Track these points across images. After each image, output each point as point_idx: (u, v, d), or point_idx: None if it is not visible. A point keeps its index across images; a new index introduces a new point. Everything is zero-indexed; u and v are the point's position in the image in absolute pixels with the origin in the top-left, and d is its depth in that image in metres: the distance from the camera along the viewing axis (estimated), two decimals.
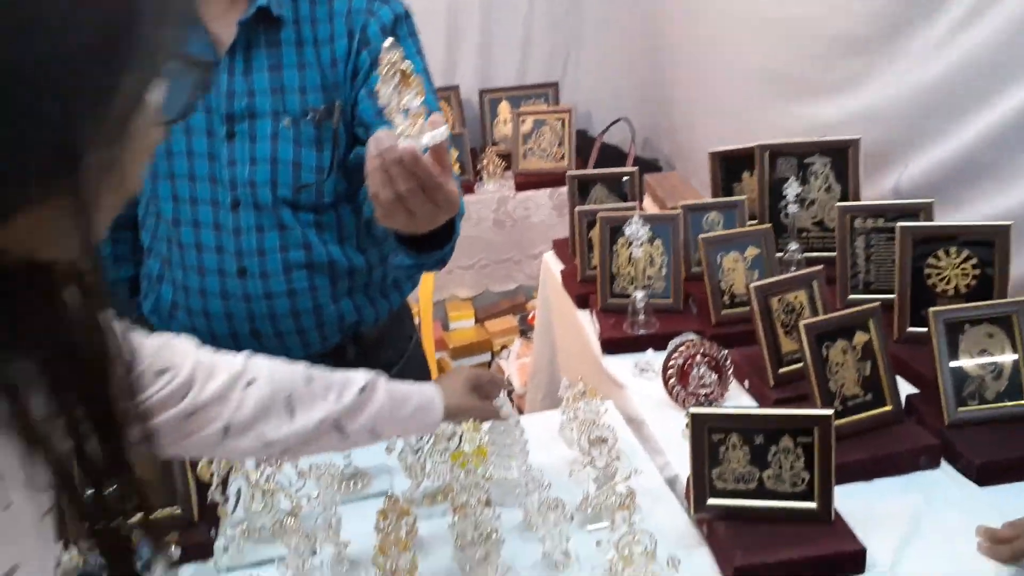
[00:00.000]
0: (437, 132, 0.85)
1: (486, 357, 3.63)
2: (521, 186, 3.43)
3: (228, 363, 0.97)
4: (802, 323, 1.22)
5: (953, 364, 1.27)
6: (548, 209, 3.52)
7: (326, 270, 1.37)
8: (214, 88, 1.30)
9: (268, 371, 0.98)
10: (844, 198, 1.82)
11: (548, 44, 3.81)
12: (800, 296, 1.41)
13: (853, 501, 1.12)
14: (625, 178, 2.07)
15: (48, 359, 0.49)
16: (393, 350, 1.52)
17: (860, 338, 1.24)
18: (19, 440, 0.49)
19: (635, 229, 1.58)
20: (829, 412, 1.05)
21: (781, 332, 1.40)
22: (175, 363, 0.90)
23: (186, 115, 0.53)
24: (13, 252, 0.45)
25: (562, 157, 3.42)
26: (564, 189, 3.35)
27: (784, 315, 1.41)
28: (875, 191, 1.91)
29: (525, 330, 3.57)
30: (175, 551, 1.05)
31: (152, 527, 0.59)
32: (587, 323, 1.83)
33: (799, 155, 1.87)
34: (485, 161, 3.49)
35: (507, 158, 3.52)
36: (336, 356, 1.40)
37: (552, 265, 2.22)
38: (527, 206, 3.50)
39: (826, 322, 1.25)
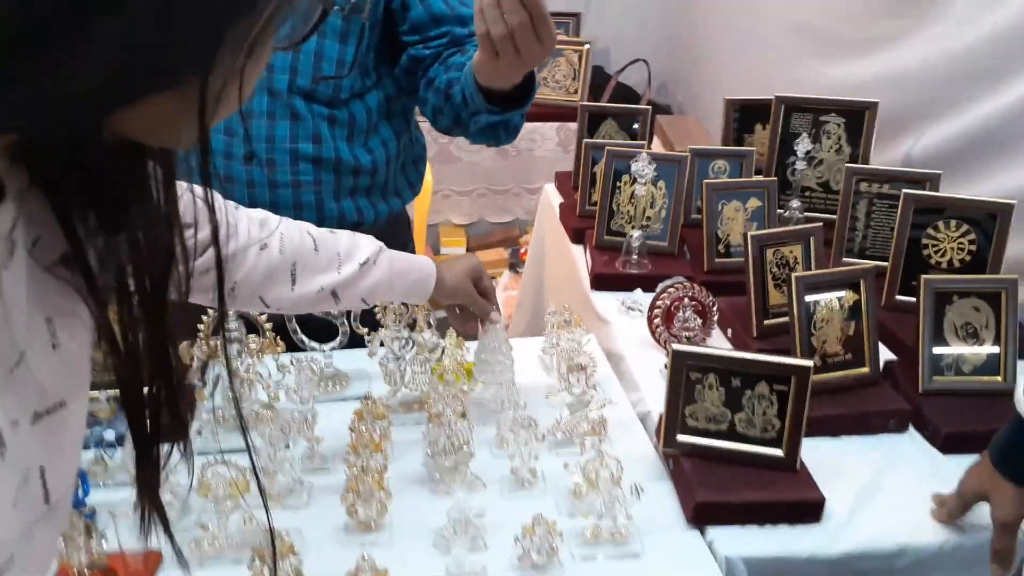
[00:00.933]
0: None
1: None
2: (529, 116, 3.36)
3: (247, 222, 1.02)
4: (794, 274, 1.22)
5: (936, 334, 1.28)
6: (553, 144, 3.48)
7: (333, 166, 1.37)
8: None
9: (281, 236, 1.04)
10: (853, 161, 1.80)
11: None
12: (795, 251, 1.41)
13: (818, 454, 1.14)
14: (636, 124, 2.04)
15: (133, 239, 0.51)
16: None
17: (849, 297, 1.25)
18: (88, 300, 0.50)
19: (641, 166, 1.56)
20: (809, 363, 1.06)
21: (771, 284, 1.40)
22: (197, 218, 0.90)
23: (299, 44, 0.53)
24: (126, 132, 0.46)
25: (575, 91, 3.36)
26: (572, 125, 3.30)
27: (776, 268, 1.41)
28: (885, 158, 1.89)
29: (515, 264, 3.56)
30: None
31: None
32: (580, 258, 1.83)
33: (815, 112, 1.85)
34: None
35: None
36: None
37: (552, 197, 2.21)
38: (533, 138, 3.45)
39: (818, 276, 1.25)
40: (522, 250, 3.58)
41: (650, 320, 1.43)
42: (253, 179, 1.33)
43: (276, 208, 1.34)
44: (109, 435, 1.11)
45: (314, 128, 1.34)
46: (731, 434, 1.09)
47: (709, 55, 3.25)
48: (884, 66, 1.95)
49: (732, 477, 1.07)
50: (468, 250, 3.68)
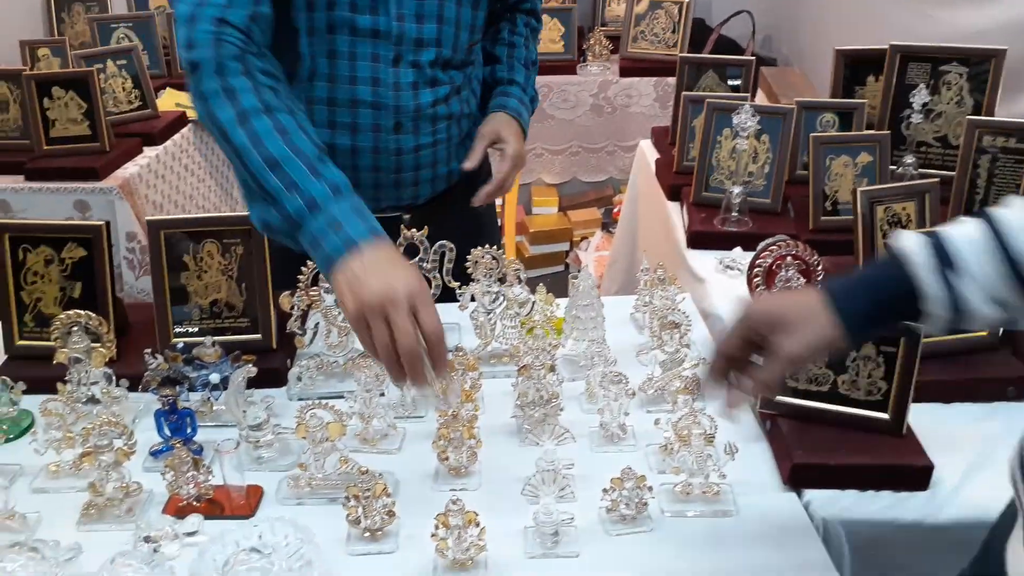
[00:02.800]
0: None
1: (565, 246, 3.61)
2: (626, 71, 3.30)
3: None
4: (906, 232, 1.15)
5: None
6: (651, 99, 3.38)
7: (458, 120, 1.42)
8: None
9: None
10: (976, 114, 1.68)
11: None
12: (908, 208, 1.33)
13: (927, 420, 1.08)
14: (735, 81, 1.95)
15: None
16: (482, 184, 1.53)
17: None
18: None
19: (744, 119, 1.50)
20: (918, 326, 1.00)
21: (881, 244, 1.33)
22: None
23: None
24: None
25: (674, 44, 3.26)
26: (670, 80, 3.22)
27: (888, 225, 1.33)
28: (1012, 110, 1.76)
29: (608, 223, 3.52)
30: (252, 369, 1.10)
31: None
32: (676, 216, 1.78)
33: (934, 62, 1.72)
34: (592, 41, 3.36)
35: (615, 41, 3.37)
36: (448, 195, 1.47)
37: (647, 154, 2.16)
38: (629, 93, 3.37)
39: None
40: (615, 209, 3.52)
41: (750, 279, 1.38)
42: (401, 147, 1.36)
43: (418, 169, 1.41)
44: (214, 378, 1.16)
45: (451, 91, 1.38)
46: (833, 396, 1.05)
47: (817, 4, 3.08)
48: (1008, 11, 1.80)
49: (833, 439, 1.03)
50: (560, 209, 3.66)
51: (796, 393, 1.07)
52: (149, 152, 2.29)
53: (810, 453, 1.01)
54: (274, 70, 1.10)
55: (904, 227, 1.31)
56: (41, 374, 1.18)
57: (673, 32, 3.27)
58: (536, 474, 0.95)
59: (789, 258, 1.35)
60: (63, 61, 2.50)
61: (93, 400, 1.15)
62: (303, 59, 1.29)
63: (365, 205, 1.03)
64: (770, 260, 1.36)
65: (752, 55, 3.24)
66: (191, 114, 2.53)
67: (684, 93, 1.85)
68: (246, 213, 1.21)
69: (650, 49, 3.31)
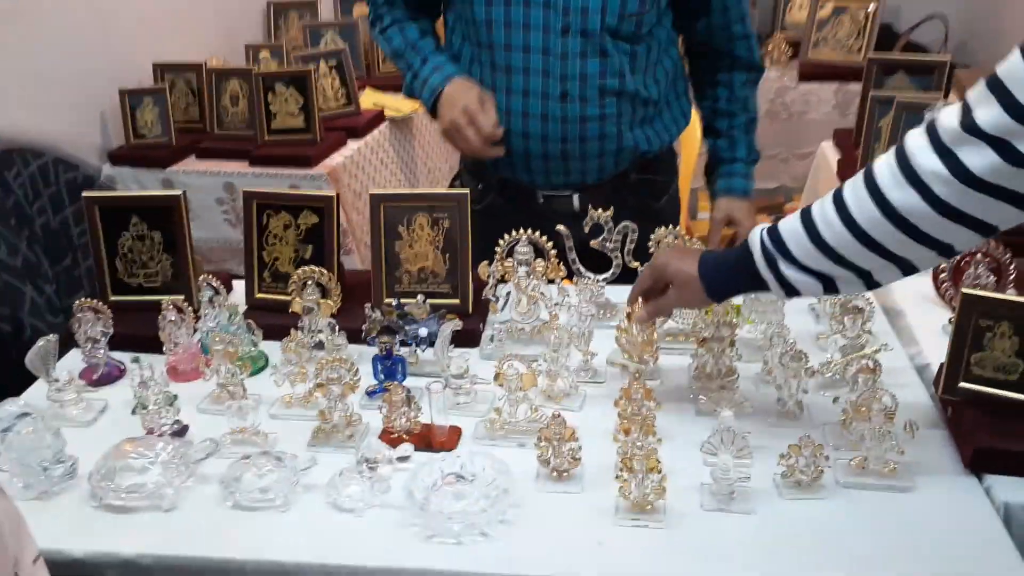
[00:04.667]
0: None
1: None
2: (805, 76, 3.26)
3: None
4: None
5: None
6: (830, 106, 3.32)
7: (631, 99, 1.49)
8: None
9: None
10: None
11: None
12: None
13: None
14: (931, 77, 1.92)
15: None
16: (662, 181, 1.64)
17: None
18: None
19: (933, 115, 1.48)
20: None
21: None
22: None
23: None
24: None
25: (858, 50, 3.18)
26: (852, 86, 3.15)
27: None
28: None
29: None
30: (459, 323, 1.24)
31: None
32: None
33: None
34: (771, 46, 3.34)
35: (795, 46, 3.33)
36: (621, 179, 1.56)
37: (829, 155, 2.15)
38: (807, 100, 3.32)
39: None
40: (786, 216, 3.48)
41: (935, 275, 1.37)
42: (567, 115, 1.48)
43: (584, 141, 1.51)
44: (422, 332, 1.30)
45: (619, 64, 1.46)
46: (1021, 385, 1.04)
47: (1021, 8, 2.91)
48: None
49: (1018, 427, 1.02)
50: None
51: (982, 380, 1.07)
52: (352, 145, 2.54)
53: (994, 438, 1.01)
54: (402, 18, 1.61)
55: None
56: (275, 322, 1.38)
57: (857, 38, 3.20)
58: (715, 433, 1.02)
59: (979, 255, 1.34)
60: (280, 62, 2.82)
61: (319, 346, 1.33)
62: (479, 25, 1.46)
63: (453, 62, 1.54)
64: (959, 257, 1.35)
65: None
66: (388, 112, 2.77)
67: (872, 92, 1.84)
68: (454, 191, 1.37)
69: (832, 55, 3.25)
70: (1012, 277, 1.34)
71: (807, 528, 0.98)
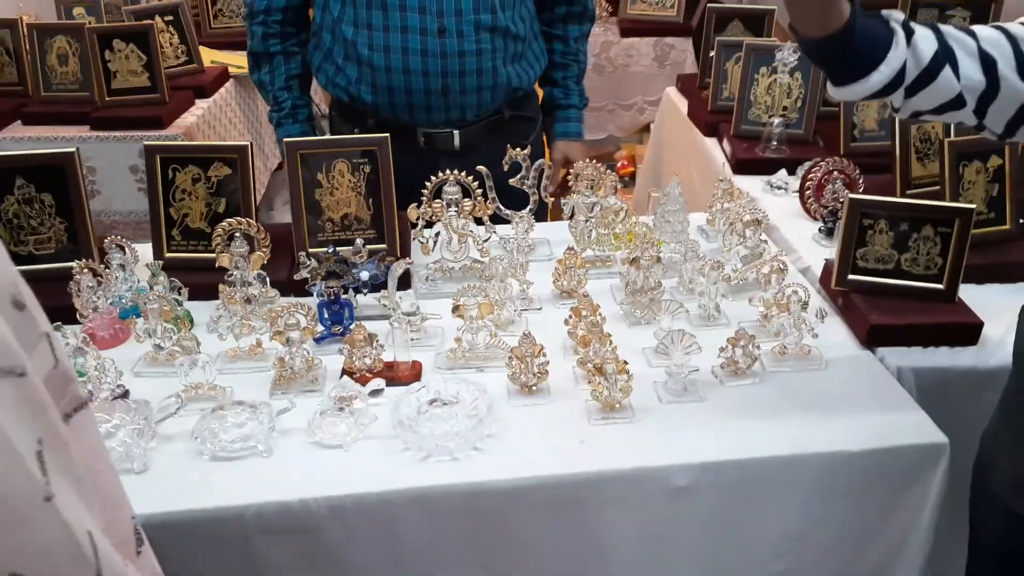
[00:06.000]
0: None
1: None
2: (626, 32, 3.48)
3: None
4: (946, 140, 1.37)
5: None
6: (650, 59, 3.57)
7: (503, 34, 1.59)
8: None
9: None
10: None
11: None
12: (937, 127, 1.54)
13: (968, 295, 1.30)
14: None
15: None
16: (531, 118, 1.77)
17: (994, 161, 1.39)
18: None
19: (786, 55, 1.70)
20: (972, 206, 1.21)
21: (914, 157, 1.55)
22: None
23: None
24: None
25: (671, 6, 3.45)
26: (668, 40, 3.42)
27: (919, 143, 1.55)
28: None
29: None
30: (409, 262, 1.27)
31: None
32: (715, 150, 1.98)
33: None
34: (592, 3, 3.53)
35: (614, 3, 3.55)
36: (497, 117, 1.67)
37: (675, 99, 2.35)
38: (629, 53, 3.55)
39: (967, 143, 1.39)
40: (617, 164, 3.72)
41: (802, 191, 1.59)
42: (445, 50, 1.55)
43: (463, 76, 1.58)
44: (364, 276, 1.32)
45: (491, 1, 1.54)
46: (897, 272, 1.26)
47: None
48: None
49: (899, 307, 1.24)
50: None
51: (866, 271, 1.28)
52: (201, 104, 2.41)
53: (883, 316, 1.22)
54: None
55: (933, 144, 1.53)
56: (192, 281, 1.33)
57: None
58: (666, 335, 1.15)
59: (836, 172, 1.57)
60: (98, 20, 2.59)
61: (248, 301, 1.31)
62: None
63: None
64: (819, 174, 1.57)
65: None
66: (232, 70, 2.64)
67: (719, 38, 2.04)
68: (374, 136, 1.39)
69: (648, 11, 3.49)
70: (862, 189, 1.59)
71: (748, 408, 1.13)
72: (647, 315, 1.30)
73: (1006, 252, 1.40)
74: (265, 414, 1.09)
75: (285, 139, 1.42)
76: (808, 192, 1.58)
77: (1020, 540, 0.99)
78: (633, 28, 3.49)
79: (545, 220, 1.67)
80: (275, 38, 1.70)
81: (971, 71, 0.93)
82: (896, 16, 0.96)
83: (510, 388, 1.16)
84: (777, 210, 1.66)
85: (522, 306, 1.36)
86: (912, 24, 0.97)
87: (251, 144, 1.40)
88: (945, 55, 0.93)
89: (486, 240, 1.44)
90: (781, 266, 1.26)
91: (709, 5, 2.21)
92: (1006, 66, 0.92)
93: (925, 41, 0.94)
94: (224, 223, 1.30)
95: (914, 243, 1.25)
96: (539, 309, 1.37)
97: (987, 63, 0.93)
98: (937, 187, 1.44)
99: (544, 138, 1.87)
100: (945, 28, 0.96)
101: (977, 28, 0.97)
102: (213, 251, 1.29)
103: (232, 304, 1.23)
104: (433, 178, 1.38)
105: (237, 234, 1.29)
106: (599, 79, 3.56)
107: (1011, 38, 0.93)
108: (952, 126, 1.55)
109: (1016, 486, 0.98)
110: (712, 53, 2.04)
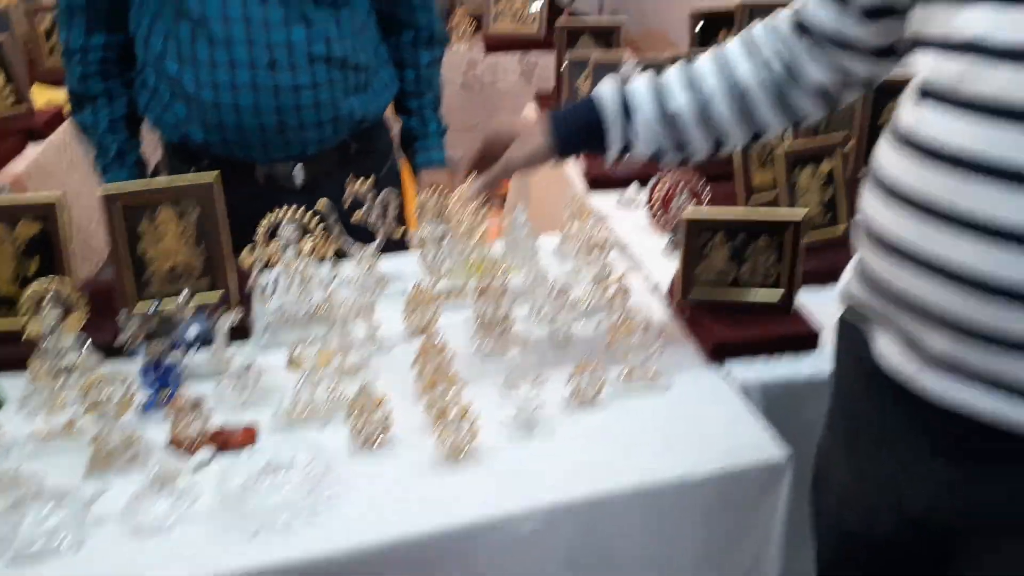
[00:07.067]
0: None
1: None
2: (491, 48, 3.47)
3: None
4: (778, 151, 1.39)
5: None
6: (516, 75, 3.57)
7: (341, 65, 1.52)
8: None
9: None
10: None
11: None
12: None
13: (810, 300, 1.33)
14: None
15: None
16: (381, 151, 1.71)
17: (826, 166, 1.42)
18: None
19: (628, 70, 1.71)
20: (801, 212, 1.23)
21: (755, 166, 1.58)
22: None
23: None
24: None
25: (533, 21, 3.46)
26: (532, 54, 3.43)
27: (760, 150, 1.58)
28: None
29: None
30: (237, 314, 1.19)
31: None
32: (572, 168, 1.98)
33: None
34: (455, 20, 3.51)
35: (478, 19, 3.53)
36: (342, 151, 1.59)
37: (533, 117, 2.34)
38: (495, 71, 3.55)
39: (799, 150, 1.42)
40: None
41: (650, 205, 1.59)
42: (278, 85, 1.46)
43: (299, 110, 1.50)
44: (192, 332, 1.23)
45: (325, 30, 1.48)
46: (737, 284, 1.27)
47: None
48: None
49: (741, 319, 1.25)
50: None
51: (708, 284, 1.28)
52: (33, 148, 2.24)
53: (726, 330, 1.23)
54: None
55: (772, 150, 1.56)
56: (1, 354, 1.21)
57: (530, 10, 3.48)
58: (512, 370, 1.11)
59: (681, 184, 1.58)
60: None
61: (67, 370, 1.20)
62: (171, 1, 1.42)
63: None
64: (666, 188, 1.58)
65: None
66: (68, 110, 2.47)
67: (568, 55, 2.04)
68: (201, 176, 1.31)
69: (511, 27, 3.50)
70: (707, 200, 1.61)
71: (597, 440, 1.10)
72: (497, 348, 1.27)
73: (845, 254, 1.43)
74: (76, 502, 0.99)
75: (104, 190, 1.31)
76: (656, 206, 1.59)
77: (848, 556, 1.00)
78: (497, 44, 3.48)
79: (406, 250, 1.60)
80: (95, 77, 1.59)
81: (682, 99, 1.08)
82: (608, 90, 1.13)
83: (352, 445, 1.10)
84: (629, 226, 1.66)
85: (370, 350, 1.30)
86: (635, 83, 1.12)
87: (63, 196, 1.29)
88: (665, 96, 1.09)
89: (331, 282, 1.38)
90: (624, 288, 1.25)
91: (559, 21, 2.21)
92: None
93: (638, 95, 1.10)
94: (32, 288, 1.18)
95: (750, 254, 1.26)
96: (390, 349, 1.31)
97: (695, 84, 1.09)
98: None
99: (398, 168, 1.81)
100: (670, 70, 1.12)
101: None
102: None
103: (40, 380, 1.12)
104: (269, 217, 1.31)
105: (46, 297, 1.18)
106: (467, 97, 3.54)
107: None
108: (783, 136, 1.59)
109: (841, 500, 0.99)
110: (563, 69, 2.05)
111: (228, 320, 1.18)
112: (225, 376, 1.17)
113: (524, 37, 3.44)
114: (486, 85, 3.53)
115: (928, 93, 0.78)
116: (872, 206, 0.86)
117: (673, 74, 1.11)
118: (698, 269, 1.28)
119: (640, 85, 1.11)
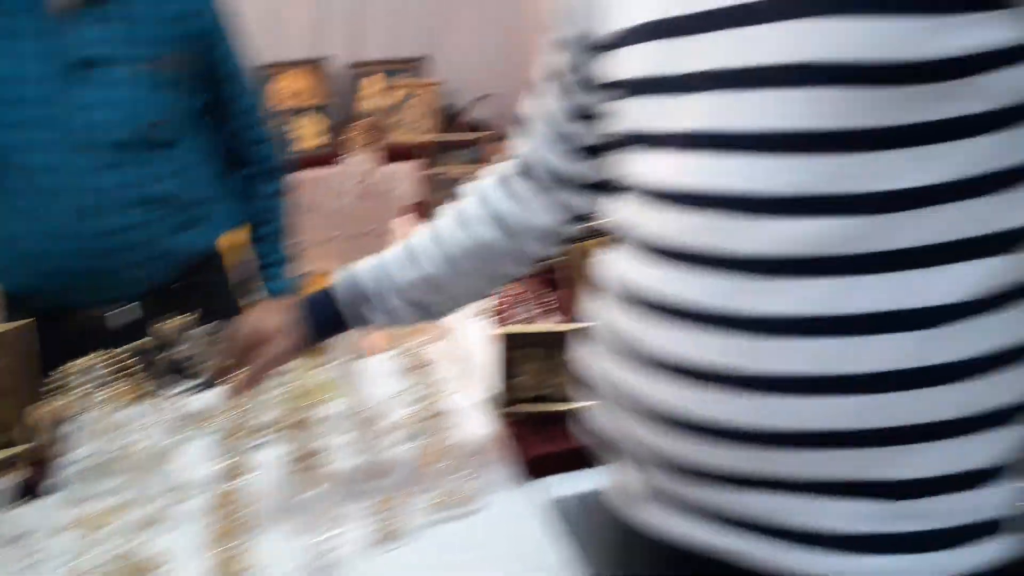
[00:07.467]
0: None
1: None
2: (388, 157, 3.52)
3: None
4: None
5: None
6: (411, 183, 3.62)
7: (162, 204, 1.48)
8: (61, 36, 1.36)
9: None
10: None
11: (422, 14, 3.81)
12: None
13: None
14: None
15: None
16: (216, 282, 1.67)
17: None
18: None
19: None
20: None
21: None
22: None
23: None
24: None
25: (427, 131, 3.53)
26: (426, 163, 3.49)
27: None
28: None
29: None
30: (23, 474, 1.12)
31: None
32: None
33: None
34: (354, 132, 3.57)
35: (379, 131, 3.60)
36: (169, 290, 1.53)
37: (407, 229, 2.35)
38: (392, 179, 3.59)
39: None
40: None
41: (497, 316, 1.59)
42: (90, 231, 1.42)
43: (110, 256, 1.44)
44: None
45: (151, 171, 1.45)
46: (550, 397, 1.25)
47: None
48: None
49: (558, 431, 1.21)
50: None
51: (525, 400, 1.26)
52: None
53: (541, 445, 1.20)
54: None
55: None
56: None
57: (428, 119, 3.56)
58: (308, 512, 1.06)
59: (526, 292, 1.58)
60: None
61: None
62: None
63: None
64: (512, 297, 1.58)
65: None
66: None
67: (428, 172, 2.06)
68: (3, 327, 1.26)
69: (409, 137, 3.57)
70: (556, 307, 1.60)
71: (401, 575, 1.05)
72: (308, 485, 1.21)
73: None
74: None
75: None
76: (501, 317, 1.58)
77: None
78: (396, 154, 3.54)
79: None
80: None
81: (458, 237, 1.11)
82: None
83: None
84: (476, 337, 1.64)
85: (173, 499, 1.23)
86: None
87: None
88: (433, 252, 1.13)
89: (147, 425, 1.32)
90: (437, 410, 1.22)
91: (432, 136, 2.24)
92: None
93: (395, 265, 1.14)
94: None
95: (559, 365, 1.24)
96: (194, 496, 1.24)
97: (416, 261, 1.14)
98: None
99: (236, 302, 1.77)
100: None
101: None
102: None
103: None
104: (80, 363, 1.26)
105: None
106: (366, 204, 3.57)
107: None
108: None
109: None
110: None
111: (7, 481, 1.11)
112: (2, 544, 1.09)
113: (420, 145, 3.50)
114: (382, 193, 3.57)
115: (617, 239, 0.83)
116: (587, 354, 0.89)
117: (391, 254, 1.15)
118: (516, 382, 1.26)
119: (365, 269, 1.16)
